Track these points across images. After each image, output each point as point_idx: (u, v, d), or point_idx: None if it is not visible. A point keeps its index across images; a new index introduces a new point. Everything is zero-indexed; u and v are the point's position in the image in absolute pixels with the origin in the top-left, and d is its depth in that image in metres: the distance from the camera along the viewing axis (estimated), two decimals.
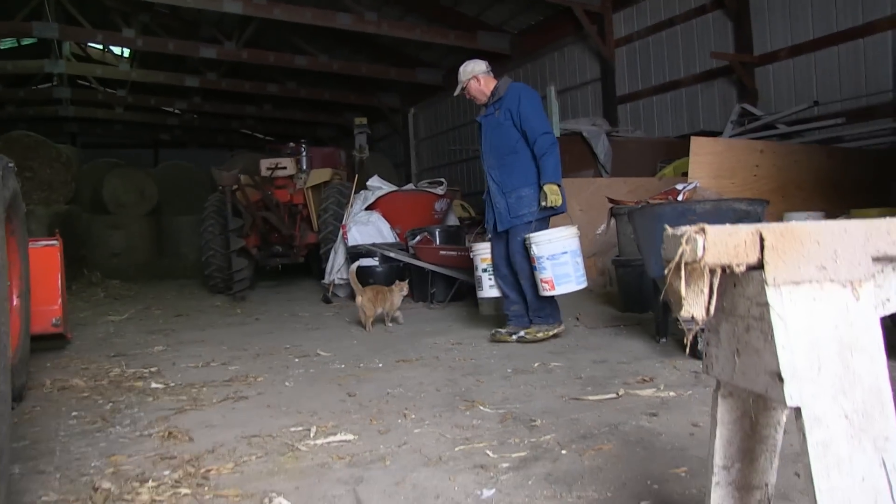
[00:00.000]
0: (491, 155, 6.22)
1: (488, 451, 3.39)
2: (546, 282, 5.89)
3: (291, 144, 12.54)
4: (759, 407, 2.02)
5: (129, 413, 4.37)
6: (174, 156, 19.79)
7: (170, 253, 16.49)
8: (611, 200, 7.78)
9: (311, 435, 3.75)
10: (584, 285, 6.04)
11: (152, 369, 5.65)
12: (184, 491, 2.99)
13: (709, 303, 1.73)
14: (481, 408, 4.17)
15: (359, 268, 9.48)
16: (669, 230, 1.87)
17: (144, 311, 9.85)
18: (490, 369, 5.22)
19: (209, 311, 9.79)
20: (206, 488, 3.02)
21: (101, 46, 17.81)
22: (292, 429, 3.89)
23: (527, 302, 6.26)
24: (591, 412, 3.91)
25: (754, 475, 2.06)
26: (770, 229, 1.71)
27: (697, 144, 7.83)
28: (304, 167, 12.19)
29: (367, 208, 10.25)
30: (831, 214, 6.97)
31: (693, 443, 3.30)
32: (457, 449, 3.45)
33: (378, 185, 10.72)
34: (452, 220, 11.17)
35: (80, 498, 2.98)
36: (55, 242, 6.52)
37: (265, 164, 11.89)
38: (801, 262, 1.67)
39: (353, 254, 9.53)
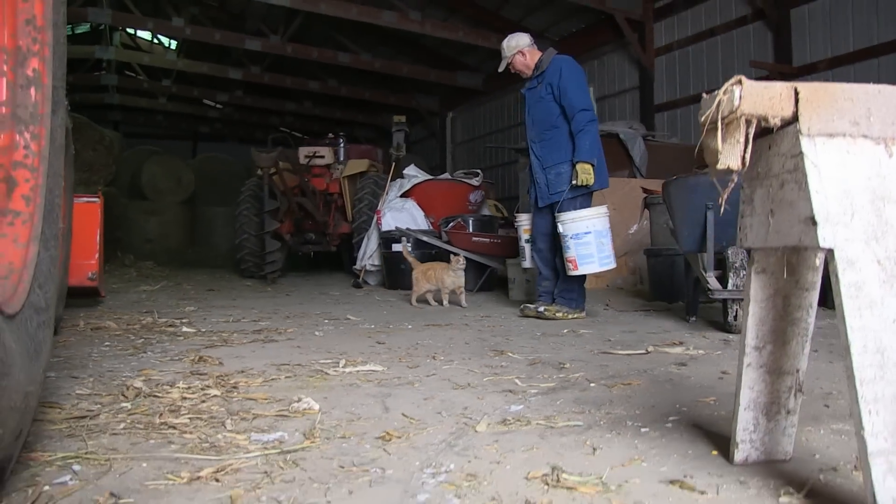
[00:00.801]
0: (532, 129, 6.25)
1: (517, 381, 3.42)
2: (570, 261, 5.89)
3: (330, 135, 12.68)
4: (790, 286, 2.04)
5: (160, 346, 4.45)
6: (212, 149, 20.14)
7: (202, 242, 16.73)
8: (645, 190, 7.78)
9: (341, 365, 3.80)
10: (609, 266, 5.99)
11: (184, 320, 5.74)
12: (213, 392, 3.05)
13: (744, 152, 1.76)
14: (510, 355, 4.20)
15: (390, 253, 9.59)
16: (706, 95, 1.90)
17: (177, 286, 9.99)
18: (519, 332, 5.25)
19: (240, 288, 9.91)
20: (235, 393, 3.08)
21: (149, 37, 18.23)
22: (321, 360, 3.95)
23: (553, 277, 6.29)
24: (621, 362, 3.92)
25: (786, 359, 2.07)
26: (804, 85, 1.74)
27: None
28: (342, 158, 12.33)
29: (402, 195, 10.33)
30: None
31: (722, 384, 3.30)
32: (485, 379, 3.48)
33: (414, 174, 10.81)
34: (486, 213, 11.22)
35: (112, 393, 3.05)
36: (97, 199, 6.66)
37: (304, 151, 12.05)
38: (834, 116, 1.70)
39: (386, 238, 9.60)
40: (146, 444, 2.35)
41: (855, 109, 1.70)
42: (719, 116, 1.79)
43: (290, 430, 2.52)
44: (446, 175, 11.79)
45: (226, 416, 2.68)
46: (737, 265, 4.93)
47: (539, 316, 6.04)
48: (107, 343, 4.48)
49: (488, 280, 9.06)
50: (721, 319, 5.25)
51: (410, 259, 7.56)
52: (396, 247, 9.53)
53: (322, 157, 12.12)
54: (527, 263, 7.02)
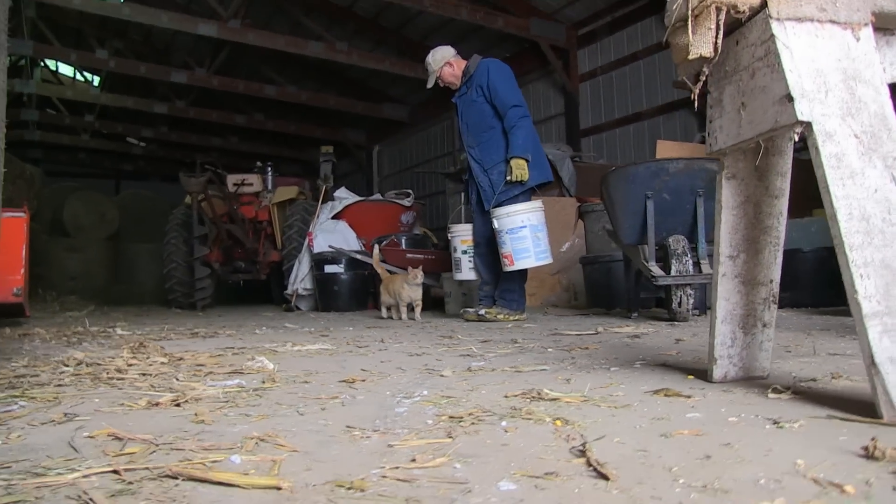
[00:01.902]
0: (468, 134, 6.17)
1: (473, 348, 3.36)
2: (506, 256, 5.77)
3: (258, 164, 12.51)
4: (761, 192, 2.04)
5: (95, 342, 4.23)
6: (136, 187, 19.58)
7: (127, 279, 16.15)
8: (578, 200, 7.87)
9: (288, 346, 3.67)
10: (545, 261, 5.92)
11: (116, 328, 5.49)
12: (160, 360, 2.90)
13: (716, 38, 1.76)
14: (460, 337, 4.13)
15: (323, 274, 9.43)
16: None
17: (104, 314, 9.59)
18: (464, 328, 5.18)
19: (171, 315, 9.57)
20: (182, 363, 2.92)
21: (71, 73, 17.75)
22: (267, 345, 3.80)
23: (494, 280, 6.21)
24: (572, 339, 3.89)
25: (759, 269, 2.07)
26: None
27: (663, 147, 8.00)
28: (270, 186, 12.15)
29: (333, 217, 10.21)
30: (795, 215, 7.12)
31: (679, 346, 3.29)
32: (440, 349, 3.41)
33: (345, 196, 10.71)
34: (418, 233, 11.17)
35: (51, 364, 2.87)
36: (22, 214, 6.36)
37: (232, 179, 11.84)
38: (802, 2, 1.72)
39: (318, 260, 9.44)
40: (95, 390, 2.19)
41: None
42: (689, 8, 1.79)
43: (247, 379, 2.39)
44: (378, 196, 11.73)
45: (176, 373, 2.54)
46: (678, 252, 4.99)
47: (480, 319, 5.86)
48: (38, 341, 4.23)
49: (423, 297, 8.97)
50: (664, 316, 5.29)
51: (380, 270, 7.20)
52: (329, 268, 9.39)
53: (251, 184, 11.92)
54: (462, 275, 6.68)
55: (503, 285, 6.04)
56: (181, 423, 1.67)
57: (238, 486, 1.13)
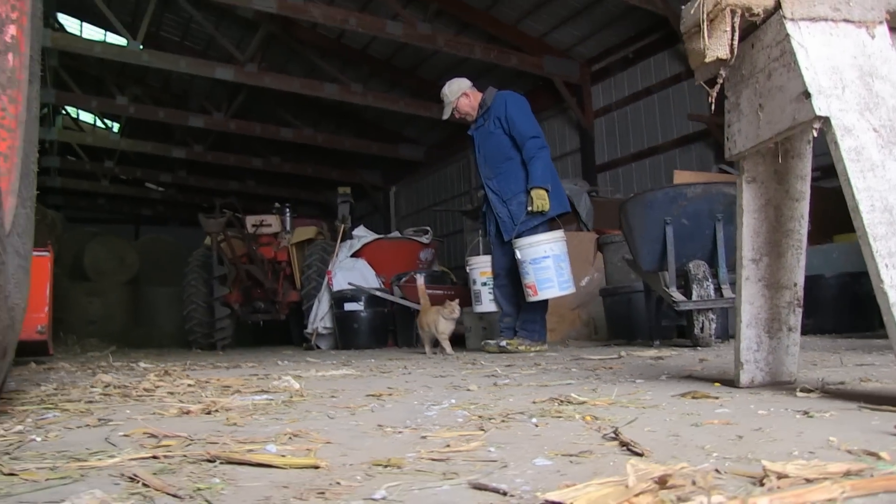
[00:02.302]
0: (486, 166, 6.15)
1: (497, 370, 3.36)
2: (529, 287, 5.70)
3: (277, 205, 12.63)
4: (781, 196, 2.06)
5: (120, 373, 4.25)
6: (155, 232, 19.83)
7: (147, 323, 16.27)
8: (597, 232, 7.88)
9: (313, 371, 3.69)
10: (569, 290, 5.89)
11: (140, 363, 5.52)
12: (186, 382, 2.92)
13: (731, 41, 1.80)
14: (483, 363, 4.13)
15: (343, 312, 9.46)
16: (685, 6, 1.95)
17: (125, 354, 9.65)
18: (487, 357, 5.17)
19: (191, 355, 9.61)
20: (209, 386, 2.94)
21: (92, 120, 18.10)
22: (291, 372, 3.82)
23: (515, 313, 6.14)
24: (596, 362, 3.88)
25: (782, 272, 2.08)
26: None
27: (680, 177, 8.02)
28: (289, 227, 12.24)
29: (352, 255, 10.26)
30: (816, 241, 7.12)
31: (704, 364, 3.28)
32: (464, 372, 3.41)
33: (363, 234, 10.77)
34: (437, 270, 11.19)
35: (79, 387, 2.89)
36: (46, 253, 6.45)
37: (251, 220, 11.94)
38: (815, 2, 1.76)
39: (338, 298, 9.47)
40: (125, 404, 2.22)
41: None
42: (704, 12, 1.83)
43: (275, 396, 2.41)
44: (396, 234, 11.79)
45: (203, 392, 2.56)
46: (699, 277, 4.98)
47: (502, 350, 5.74)
48: (63, 372, 4.27)
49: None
50: (686, 344, 5.26)
51: (424, 300, 6.65)
52: (349, 306, 9.42)
53: (269, 225, 12.02)
54: (483, 307, 6.63)
55: (524, 316, 5.99)
56: (214, 426, 1.69)
57: (276, 467, 1.15)
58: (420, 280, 7.22)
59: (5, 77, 2.02)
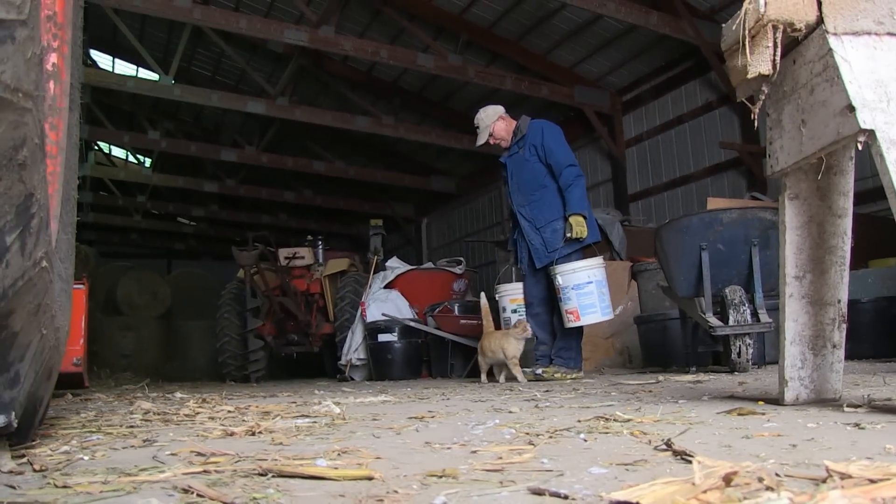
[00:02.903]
0: (519, 193, 6.14)
1: (537, 394, 3.34)
2: (571, 312, 5.63)
3: (309, 237, 12.73)
4: (824, 212, 2.05)
5: (157, 403, 4.29)
6: (187, 266, 20.06)
7: (180, 357, 16.39)
8: (631, 259, 7.85)
9: (351, 399, 3.69)
10: (610, 316, 5.90)
11: (175, 394, 5.57)
12: (226, 408, 2.94)
13: (774, 56, 1.80)
14: (521, 390, 4.11)
15: (376, 343, 9.47)
16: (725, 25, 1.96)
17: (159, 387, 9.72)
18: (523, 386, 5.14)
19: (226, 387, 9.67)
20: (249, 411, 2.96)
21: (124, 155, 18.44)
22: (328, 399, 3.82)
23: (550, 341, 6.11)
24: (635, 386, 3.84)
25: (826, 289, 2.06)
26: None
27: (713, 204, 7.98)
28: (321, 259, 12.32)
29: (385, 286, 10.29)
30: (852, 267, 7.00)
31: (744, 387, 3.23)
32: (502, 397, 3.40)
33: (397, 265, 10.80)
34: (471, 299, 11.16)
35: (119, 413, 2.92)
36: (82, 286, 6.55)
37: (283, 252, 12.04)
38: (858, 16, 1.76)
39: (372, 329, 9.49)
40: (167, 427, 2.24)
41: (877, 10, 1.77)
42: (745, 28, 1.84)
43: (316, 418, 2.42)
44: (429, 264, 11.80)
45: (244, 416, 2.57)
46: (735, 302, 4.93)
47: (538, 378, 5.67)
48: (100, 403, 4.32)
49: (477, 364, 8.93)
50: (723, 370, 5.20)
51: (488, 321, 6.23)
52: (382, 337, 9.42)
53: (302, 257, 12.10)
54: None
55: (560, 343, 5.96)
56: (260, 445, 1.70)
57: (330, 479, 1.15)
58: (483, 300, 6.46)
59: (47, 104, 2.07)
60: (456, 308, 9.28)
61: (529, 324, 6.07)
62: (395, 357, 9.47)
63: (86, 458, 1.56)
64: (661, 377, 4.31)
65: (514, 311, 6.50)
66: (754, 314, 4.96)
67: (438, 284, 10.55)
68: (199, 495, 1.06)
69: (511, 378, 5.78)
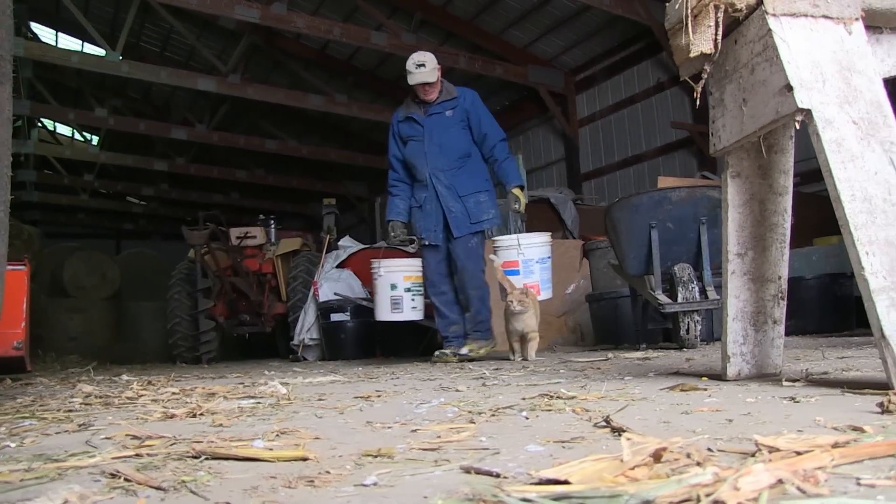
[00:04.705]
0: (442, 156, 5.59)
1: (486, 372, 3.35)
2: (532, 286, 5.26)
3: (261, 217, 12.58)
4: (765, 190, 2.08)
5: (101, 385, 4.21)
6: (137, 246, 19.66)
7: (129, 339, 16.06)
8: (583, 238, 7.91)
9: (299, 379, 3.67)
10: (550, 296, 5.64)
11: (122, 377, 5.47)
12: (171, 390, 2.89)
13: (716, 35, 1.81)
14: (471, 368, 4.12)
15: (329, 323, 9.42)
16: (669, 3, 1.96)
17: (107, 370, 9.56)
18: (475, 364, 5.14)
19: (176, 369, 9.54)
20: (194, 394, 2.92)
21: (70, 133, 17.98)
22: (278, 379, 3.79)
23: (464, 320, 5.69)
24: (584, 363, 3.87)
25: (767, 266, 2.09)
26: None
27: (664, 183, 8.07)
28: (273, 239, 12.20)
29: (338, 266, 10.22)
30: (797, 245, 7.17)
31: (690, 364, 3.28)
32: (452, 375, 3.40)
33: (349, 245, 10.73)
34: None
35: (59, 398, 2.86)
36: (23, 267, 6.37)
37: (235, 232, 11.88)
38: None
39: (324, 309, 9.43)
40: (107, 411, 2.19)
41: None
42: (688, 8, 1.85)
43: (261, 399, 2.39)
44: (382, 244, 11.75)
45: (188, 398, 2.54)
46: (684, 279, 5.00)
47: (463, 359, 5.31)
48: (41, 387, 4.22)
49: (430, 344, 8.94)
50: (673, 347, 5.27)
51: (507, 283, 5.10)
52: (335, 317, 9.38)
53: (254, 237, 11.95)
54: (402, 315, 6.06)
55: (479, 317, 5.58)
56: (199, 427, 1.68)
57: (264, 460, 1.14)
58: (497, 262, 5.30)
59: None
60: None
61: (436, 303, 5.73)
62: (347, 337, 9.43)
63: (13, 444, 1.52)
64: (610, 355, 4.35)
65: (408, 290, 6.06)
66: (703, 291, 5.03)
67: None
68: (126, 480, 1.04)
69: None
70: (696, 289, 4.99)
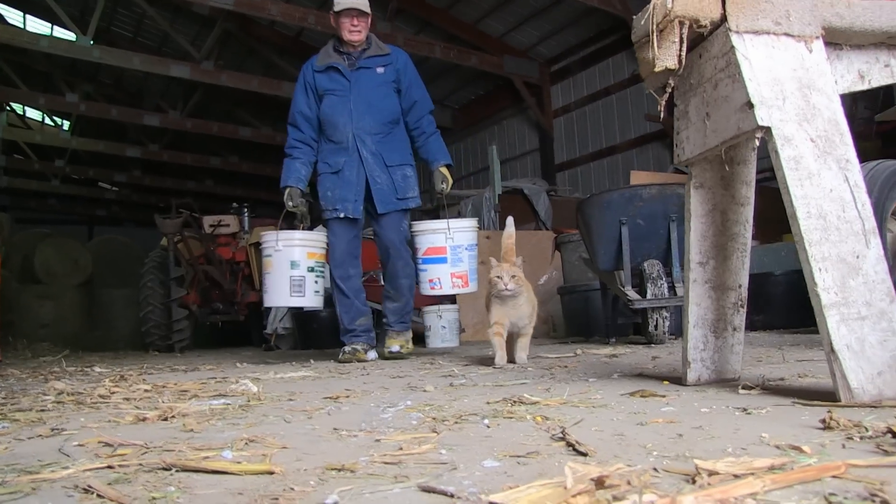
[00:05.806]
0: (370, 117, 4.90)
1: (455, 370, 3.40)
2: (459, 276, 4.83)
3: (234, 205, 12.52)
4: (727, 201, 2.13)
5: (73, 379, 4.21)
6: (109, 233, 19.48)
7: (102, 326, 15.96)
8: (555, 230, 7.97)
9: (272, 373, 3.69)
10: (476, 289, 5.08)
11: (94, 367, 5.46)
12: (143, 387, 2.91)
13: (680, 51, 1.85)
14: (441, 362, 4.17)
15: (303, 311, 9.42)
16: (636, 16, 2.00)
17: (80, 358, 9.51)
18: (444, 358, 5.19)
19: (149, 358, 9.51)
20: (166, 391, 2.94)
21: (40, 118, 17.75)
22: (250, 374, 3.82)
23: (370, 312, 5.25)
24: (552, 360, 3.93)
25: (728, 275, 2.15)
26: None
27: (637, 178, 8.15)
28: (247, 227, 12.15)
29: None
30: (766, 241, 7.29)
31: (656, 362, 3.34)
32: (421, 372, 3.44)
33: (322, 234, 10.72)
34: None
35: (31, 395, 2.87)
36: None
37: (208, 220, 11.82)
38: (758, 16, 1.83)
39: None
40: (80, 412, 2.21)
41: (775, 11, 1.84)
42: (653, 23, 1.89)
43: (232, 399, 2.42)
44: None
45: (160, 397, 2.56)
46: (654, 276, 5.08)
47: (394, 356, 4.91)
48: (12, 379, 4.21)
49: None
50: (642, 341, 5.35)
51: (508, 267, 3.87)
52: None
53: (227, 225, 11.91)
54: (304, 301, 5.20)
55: (403, 308, 5.10)
56: (171, 432, 1.70)
57: (232, 473, 1.17)
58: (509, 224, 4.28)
59: None
60: (381, 277, 9.29)
61: (342, 289, 5.14)
62: (320, 326, 9.46)
63: None
64: (579, 350, 4.42)
65: (311, 270, 5.09)
66: (671, 288, 5.11)
67: (365, 254, 10.52)
68: (99, 496, 1.07)
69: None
70: (665, 285, 5.07)
